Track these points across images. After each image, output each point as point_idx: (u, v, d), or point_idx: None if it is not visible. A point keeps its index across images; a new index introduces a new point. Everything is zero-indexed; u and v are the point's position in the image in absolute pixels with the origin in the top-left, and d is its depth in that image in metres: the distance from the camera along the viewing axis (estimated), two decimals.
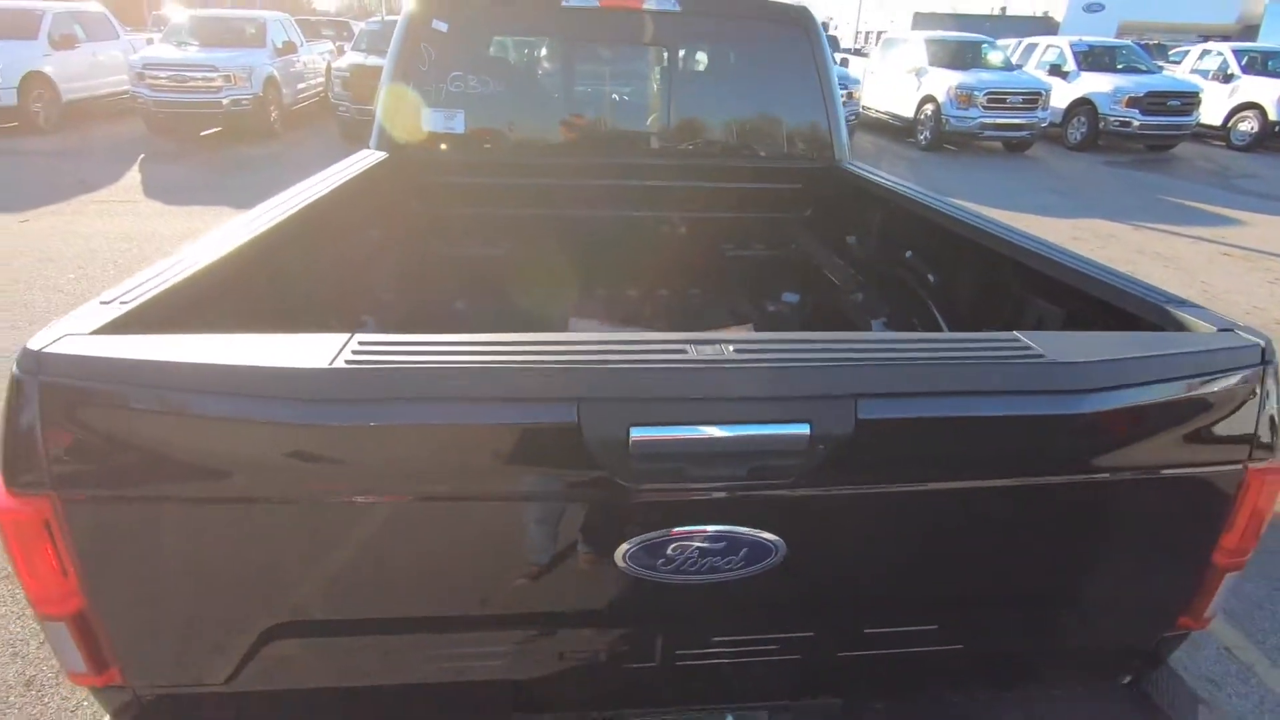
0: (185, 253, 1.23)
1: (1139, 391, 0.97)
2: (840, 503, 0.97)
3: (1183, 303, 1.24)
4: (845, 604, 1.10)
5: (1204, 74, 13.50)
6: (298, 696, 1.09)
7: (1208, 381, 1.00)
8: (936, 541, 1.05)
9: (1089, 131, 12.20)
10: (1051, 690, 1.24)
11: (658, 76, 2.56)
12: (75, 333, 0.90)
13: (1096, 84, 12.14)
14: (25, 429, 0.84)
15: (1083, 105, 12.27)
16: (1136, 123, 11.74)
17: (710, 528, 0.93)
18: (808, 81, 2.56)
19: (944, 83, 11.40)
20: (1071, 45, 13.23)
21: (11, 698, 2.00)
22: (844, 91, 11.04)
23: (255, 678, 1.03)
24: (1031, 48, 13.93)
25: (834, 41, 18.49)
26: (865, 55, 15.68)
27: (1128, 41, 15.21)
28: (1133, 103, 11.68)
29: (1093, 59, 12.94)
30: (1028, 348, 0.98)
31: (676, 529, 0.93)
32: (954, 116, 11.27)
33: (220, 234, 1.33)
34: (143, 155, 9.37)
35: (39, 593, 0.92)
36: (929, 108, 11.73)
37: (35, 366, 0.84)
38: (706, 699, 1.19)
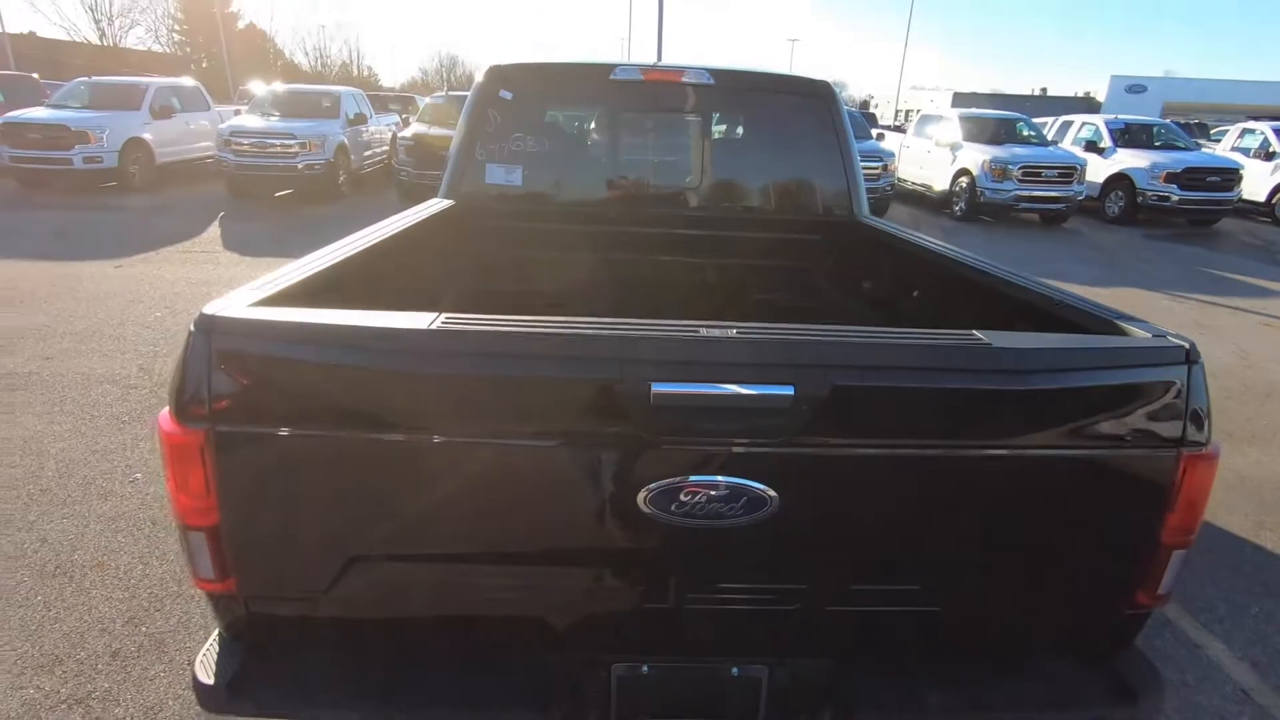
0: (304, 260, 1.54)
1: (1072, 376, 1.16)
2: (822, 461, 1.17)
3: (1129, 318, 1.42)
4: (831, 558, 1.27)
5: (1245, 151, 13.58)
6: (369, 624, 1.31)
7: (1137, 373, 1.19)
8: (909, 504, 1.23)
9: (1127, 205, 12.32)
10: (1026, 663, 1.37)
11: (694, 139, 2.89)
12: (236, 304, 1.18)
13: (1133, 160, 12.32)
14: (196, 374, 1.11)
15: (1120, 180, 12.44)
16: (1175, 197, 11.82)
17: (715, 478, 1.14)
18: (829, 146, 2.86)
19: (978, 156, 11.74)
20: (1107, 123, 13.51)
21: (100, 665, 2.24)
22: (880, 164, 11.46)
23: (340, 599, 1.26)
24: (1067, 125, 14.25)
25: (871, 119, 19.13)
26: (903, 131, 16.16)
27: (1164, 120, 15.43)
28: (1171, 178, 11.81)
29: (1129, 136, 13.17)
30: (980, 340, 1.19)
31: (687, 477, 1.14)
32: (988, 189, 11.55)
33: (330, 248, 1.64)
34: (223, 213, 10.22)
35: (186, 506, 1.18)
36: (964, 180, 12.04)
37: (209, 327, 1.12)
38: (713, 651, 1.36)
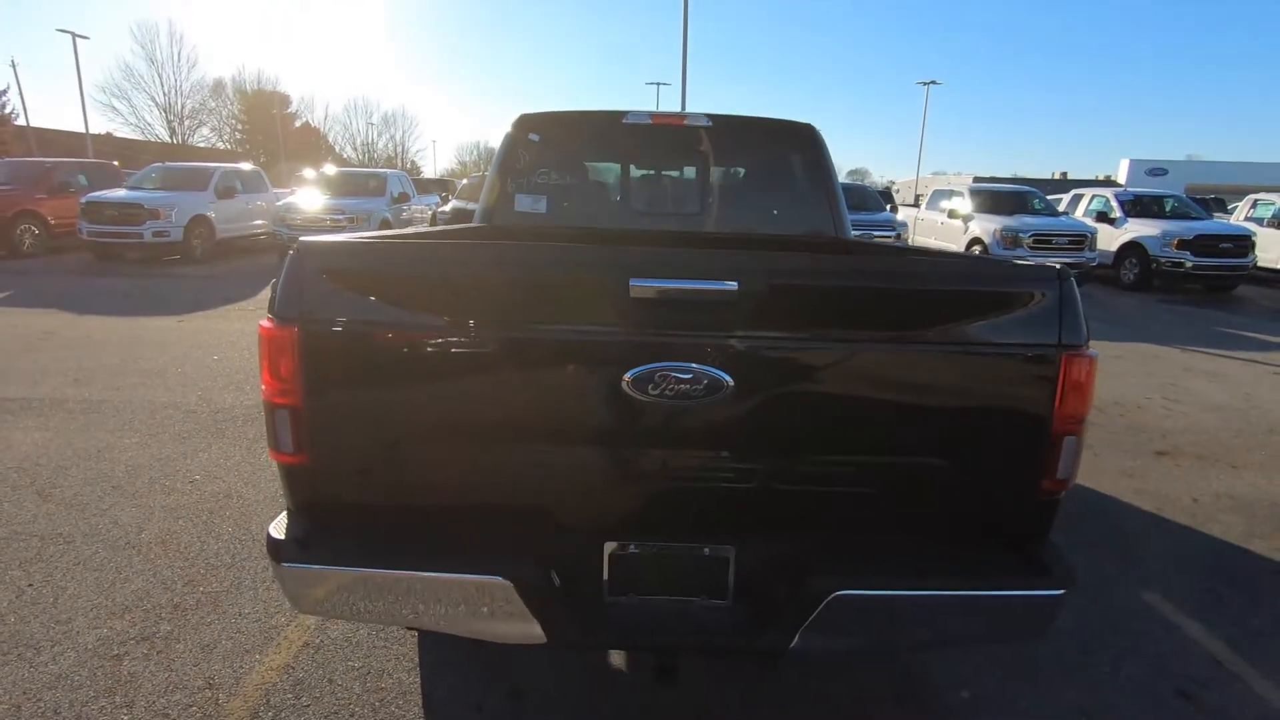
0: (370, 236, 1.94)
1: (974, 285, 1.49)
2: (765, 350, 1.48)
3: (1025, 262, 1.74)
4: (780, 439, 1.55)
5: (1259, 221, 13.83)
6: (408, 499, 1.61)
7: (1022, 285, 1.51)
8: (842, 394, 1.52)
9: (1141, 272, 12.55)
10: (956, 543, 1.61)
11: (696, 172, 3.32)
12: (324, 237, 1.57)
13: (1144, 229, 12.65)
14: (291, 285, 1.49)
15: (1133, 249, 12.73)
16: (1189, 264, 12.04)
17: (681, 363, 1.46)
18: (815, 178, 3.27)
19: (990, 226, 12.19)
20: (1116, 194, 13.95)
21: (163, 614, 2.54)
22: (893, 234, 11.95)
23: (387, 477, 1.58)
24: (1078, 198, 14.71)
25: (888, 197, 19.93)
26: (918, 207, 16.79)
27: (1174, 191, 15.82)
28: (1183, 245, 12.07)
29: (1140, 207, 13.56)
30: (888, 250, 1.52)
31: (659, 362, 1.46)
32: (1000, 257, 11.91)
33: (387, 232, 2.04)
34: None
35: (275, 389, 1.53)
36: (976, 249, 12.44)
37: (304, 250, 1.50)
38: (689, 532, 1.63)
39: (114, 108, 47.60)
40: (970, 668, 2.39)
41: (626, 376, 1.47)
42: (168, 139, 47.12)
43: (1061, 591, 1.53)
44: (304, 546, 1.54)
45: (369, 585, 1.53)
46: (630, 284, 1.41)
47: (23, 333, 6.89)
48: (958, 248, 13.06)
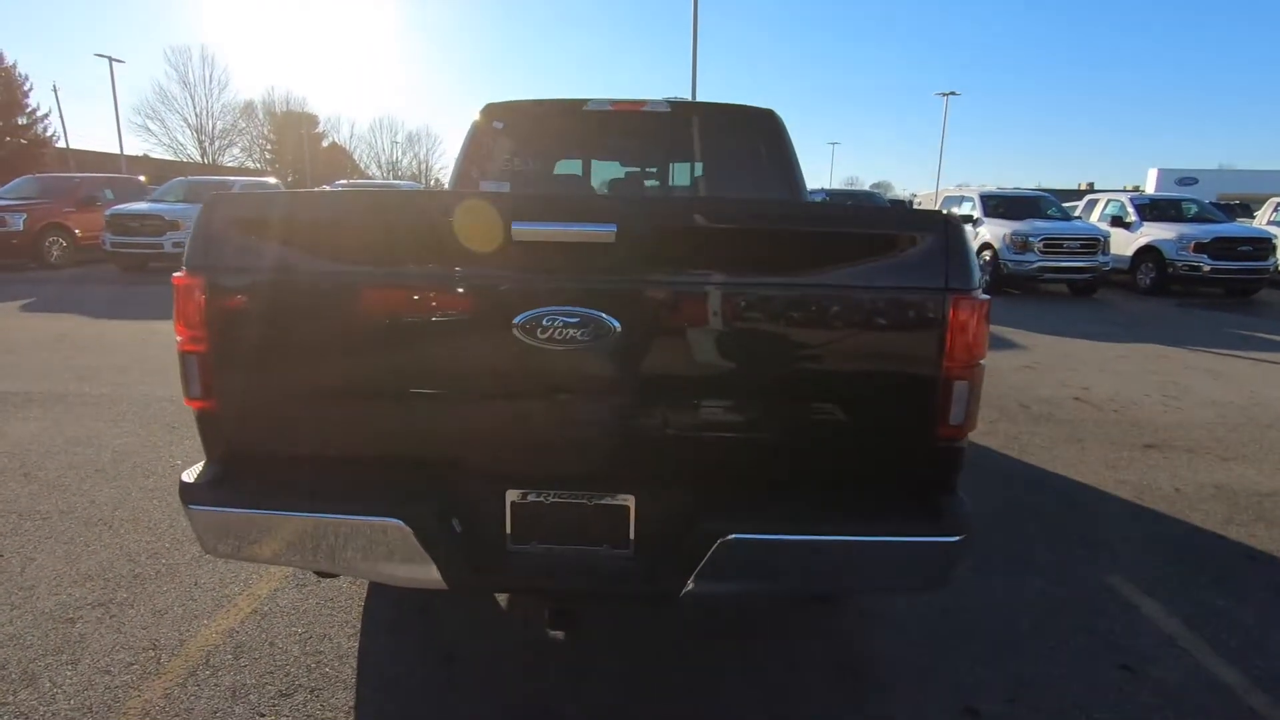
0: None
1: (862, 228, 1.51)
2: (650, 294, 1.51)
3: None
4: (671, 383, 1.57)
5: None
6: (312, 447, 1.66)
7: (903, 229, 1.52)
8: (730, 337, 1.54)
9: (1158, 276, 12.31)
10: (854, 491, 1.61)
11: (657, 158, 3.37)
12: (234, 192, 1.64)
13: (1159, 232, 12.42)
14: (199, 237, 1.56)
15: (1149, 253, 12.50)
16: (1207, 267, 11.79)
17: (568, 307, 1.49)
18: (776, 163, 3.30)
19: (1000, 230, 12.05)
20: (1132, 198, 13.74)
21: (122, 582, 2.61)
22: None
23: (290, 424, 1.62)
24: (1093, 203, 14.51)
25: (905, 205, 19.88)
26: None
27: (1191, 195, 15.52)
28: (1200, 248, 11.83)
29: (1156, 211, 13.32)
30: (765, 200, 1.54)
31: (547, 306, 1.49)
32: (1011, 261, 11.78)
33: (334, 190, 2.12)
34: None
35: (185, 335, 1.59)
36: (987, 254, 12.31)
37: (211, 202, 1.57)
38: (591, 481, 1.65)
39: (148, 129, 49.24)
40: (912, 637, 2.37)
41: (516, 321, 1.50)
42: (199, 159, 48.54)
43: (956, 539, 1.52)
44: (210, 490, 1.60)
45: (271, 527, 1.57)
46: (512, 227, 1.45)
47: (39, 335, 7.13)
48: None
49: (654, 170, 3.39)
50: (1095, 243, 11.74)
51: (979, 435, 4.53)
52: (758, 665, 2.24)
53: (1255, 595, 2.70)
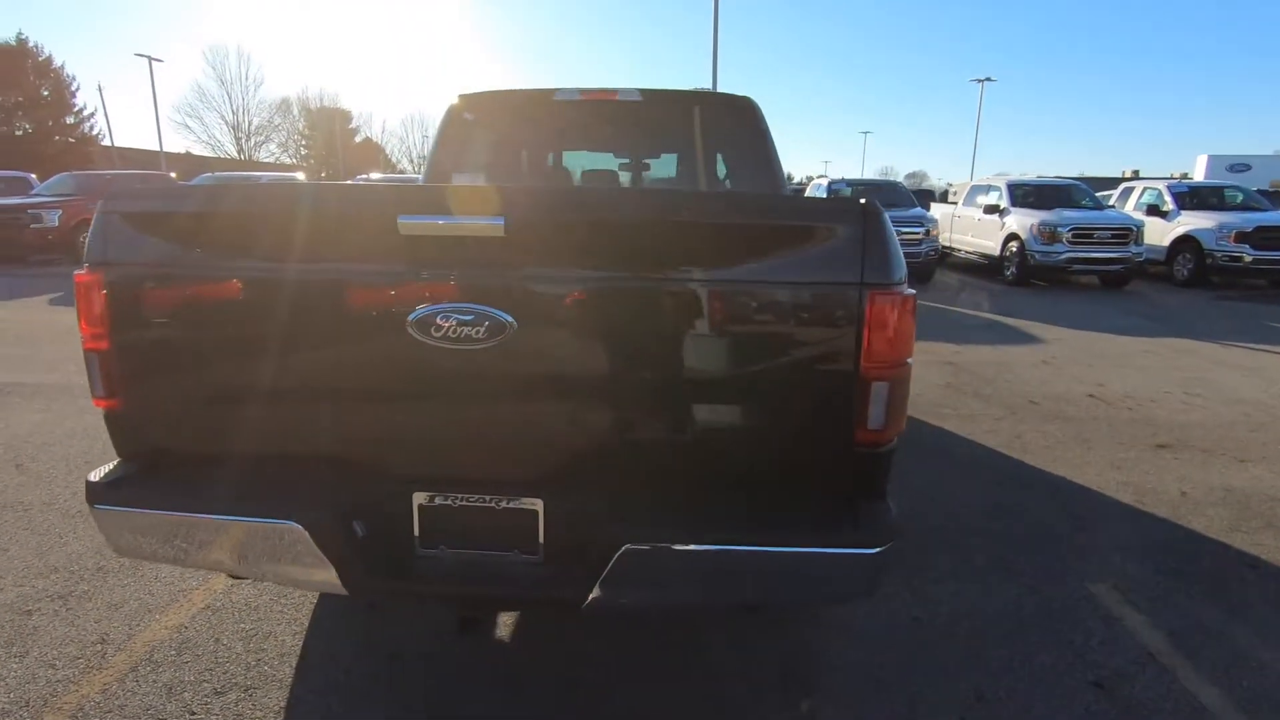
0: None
1: (771, 219, 1.41)
2: (546, 290, 1.43)
3: None
4: (573, 383, 1.50)
5: None
6: (216, 447, 1.63)
7: (816, 220, 1.41)
8: (634, 335, 1.45)
9: (1196, 268, 11.80)
10: (764, 503, 1.51)
11: (628, 147, 3.28)
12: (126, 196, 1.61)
13: (1197, 221, 11.88)
14: (97, 235, 1.53)
15: (1186, 243, 11.98)
16: (1249, 258, 11.24)
17: (462, 304, 1.42)
18: (753, 151, 3.19)
19: (1027, 221, 11.66)
20: (1169, 186, 13.17)
21: (85, 575, 2.63)
22: (920, 230, 11.60)
23: (194, 424, 1.59)
24: (1129, 191, 13.96)
25: (937, 195, 19.41)
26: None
27: (1238, 182, 14.82)
28: (1241, 238, 11.28)
29: (1196, 199, 12.75)
30: (663, 191, 1.45)
31: (441, 303, 1.43)
32: (1038, 252, 11.39)
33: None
34: None
35: (88, 333, 1.57)
36: (1014, 245, 11.93)
37: (109, 198, 1.54)
38: (500, 484, 1.59)
39: (188, 126, 50.61)
40: (874, 647, 2.27)
41: (410, 319, 1.45)
42: (236, 155, 49.68)
43: (874, 550, 1.43)
44: (113, 489, 1.58)
45: (170, 528, 1.55)
46: (399, 221, 1.39)
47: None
48: (994, 245, 12.57)
49: (626, 160, 3.31)
50: (1128, 233, 11.28)
51: (979, 434, 4.37)
52: (709, 671, 2.16)
53: (1251, 608, 2.53)
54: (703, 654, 2.25)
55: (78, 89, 48.81)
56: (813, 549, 1.43)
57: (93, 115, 48.99)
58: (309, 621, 2.37)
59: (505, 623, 2.36)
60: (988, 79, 40.41)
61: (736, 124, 3.21)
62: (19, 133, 46.06)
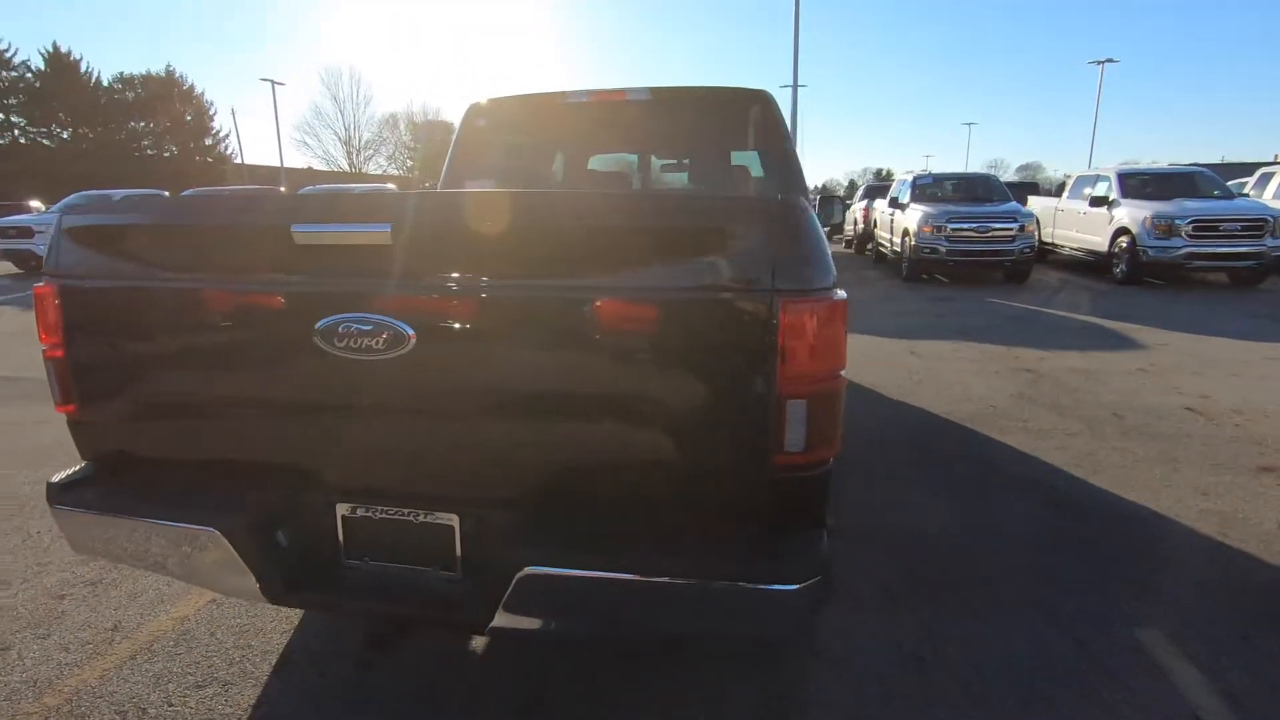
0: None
1: (664, 219, 1.29)
2: (441, 299, 1.37)
3: None
4: (476, 397, 1.42)
5: None
6: (161, 453, 1.68)
7: (724, 221, 1.27)
8: (529, 347, 1.37)
9: None
10: (678, 529, 1.38)
11: (638, 146, 3.19)
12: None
13: None
14: (53, 247, 1.61)
15: None
16: None
17: (361, 314, 1.39)
18: (765, 148, 3.02)
19: (1139, 213, 10.59)
20: None
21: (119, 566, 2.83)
22: (1014, 225, 10.81)
23: (141, 431, 1.65)
24: (1267, 177, 12.41)
25: (1053, 188, 18.09)
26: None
27: None
28: None
29: None
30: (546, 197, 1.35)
31: (341, 313, 1.40)
32: (1151, 248, 10.32)
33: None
34: None
35: (46, 340, 1.65)
36: (1124, 240, 10.88)
37: (63, 213, 1.62)
38: (414, 496, 1.54)
39: (306, 143, 54.67)
40: (864, 689, 2.07)
41: (316, 328, 1.43)
42: (347, 168, 53.24)
43: (792, 587, 1.27)
44: (66, 491, 1.65)
45: (110, 529, 1.61)
46: (292, 230, 1.37)
47: None
48: (1101, 240, 11.51)
49: (636, 161, 3.22)
50: (1261, 224, 10.01)
51: (1044, 450, 3.96)
52: (680, 703, 2.04)
53: None
54: (675, 679, 2.12)
55: (215, 113, 53.67)
56: (720, 582, 1.29)
57: (227, 136, 53.63)
58: (300, 620, 2.43)
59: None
60: (1108, 60, 37.16)
61: (749, 119, 3.06)
62: (166, 154, 51.22)
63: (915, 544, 2.91)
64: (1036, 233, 11.69)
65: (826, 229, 4.71)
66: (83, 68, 45.77)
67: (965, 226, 10.93)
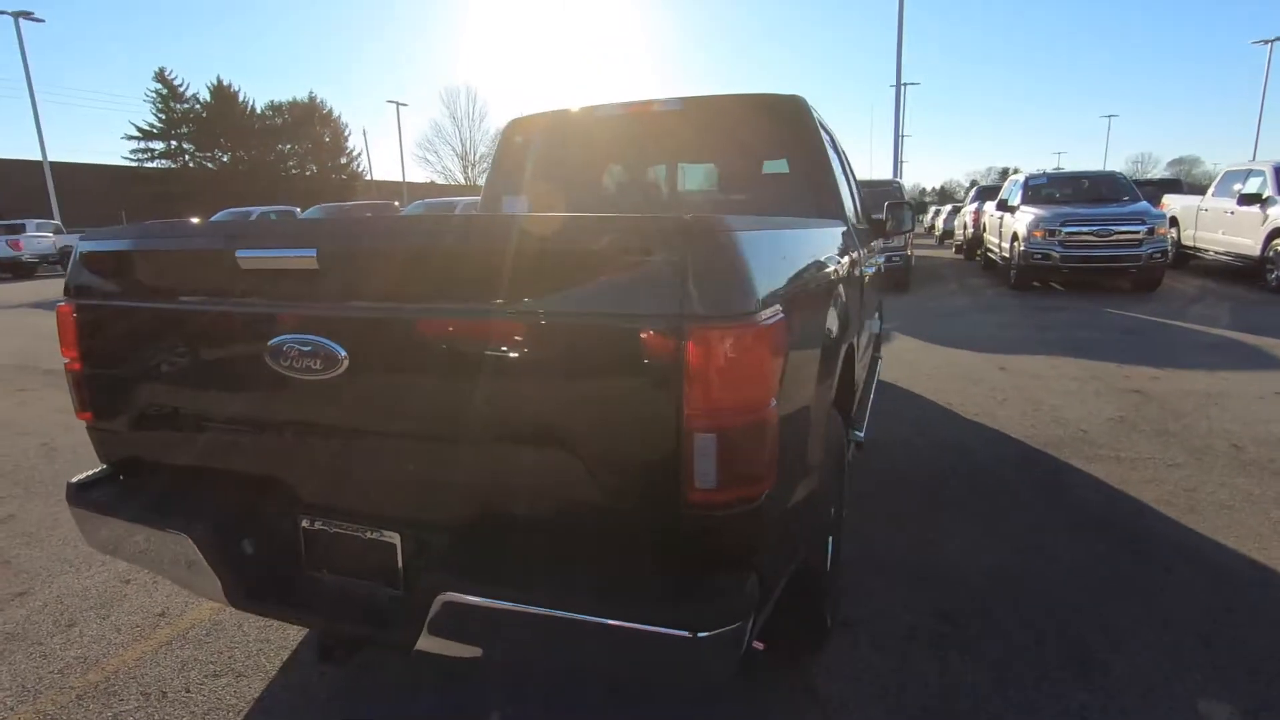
0: None
1: (566, 242, 1.25)
2: (366, 321, 1.40)
3: None
4: (401, 418, 1.43)
5: None
6: (157, 458, 1.81)
7: (630, 242, 1.21)
8: (445, 371, 1.36)
9: None
10: (599, 562, 1.32)
11: (670, 156, 3.12)
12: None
13: None
14: (72, 268, 1.79)
15: None
16: None
17: (300, 334, 1.44)
18: (799, 155, 2.89)
19: None
20: None
21: None
22: (1141, 229, 9.81)
23: (141, 440, 1.79)
24: None
25: (1175, 185, 16.33)
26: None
27: None
28: None
29: None
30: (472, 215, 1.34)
31: (285, 334, 1.46)
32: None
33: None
34: None
35: (66, 355, 1.84)
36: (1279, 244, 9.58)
37: (83, 238, 1.79)
38: (360, 513, 1.58)
39: (426, 159, 58.34)
40: None
41: (267, 348, 1.50)
42: (463, 182, 56.31)
43: (698, 635, 1.19)
44: (80, 492, 1.82)
45: (110, 529, 1.75)
46: (237, 255, 1.45)
47: None
48: (1252, 244, 10.19)
49: (664, 172, 3.16)
50: None
51: (1132, 483, 3.53)
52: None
53: None
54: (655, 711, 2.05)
55: (349, 134, 58.30)
56: (621, 622, 1.22)
57: (359, 155, 58.11)
58: None
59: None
60: (1277, 39, 32.81)
61: (782, 126, 2.93)
62: (308, 173, 56.20)
63: (945, 586, 2.67)
64: (1171, 236, 10.52)
65: (906, 233, 4.41)
66: (240, 98, 51.21)
67: (1083, 230, 10.00)
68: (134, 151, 48.68)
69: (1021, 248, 10.52)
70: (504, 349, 1.32)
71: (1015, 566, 2.78)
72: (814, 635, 2.10)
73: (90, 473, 1.91)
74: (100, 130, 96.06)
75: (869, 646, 2.29)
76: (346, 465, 1.56)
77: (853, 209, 3.02)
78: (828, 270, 1.98)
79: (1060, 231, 10.07)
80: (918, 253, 20.12)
